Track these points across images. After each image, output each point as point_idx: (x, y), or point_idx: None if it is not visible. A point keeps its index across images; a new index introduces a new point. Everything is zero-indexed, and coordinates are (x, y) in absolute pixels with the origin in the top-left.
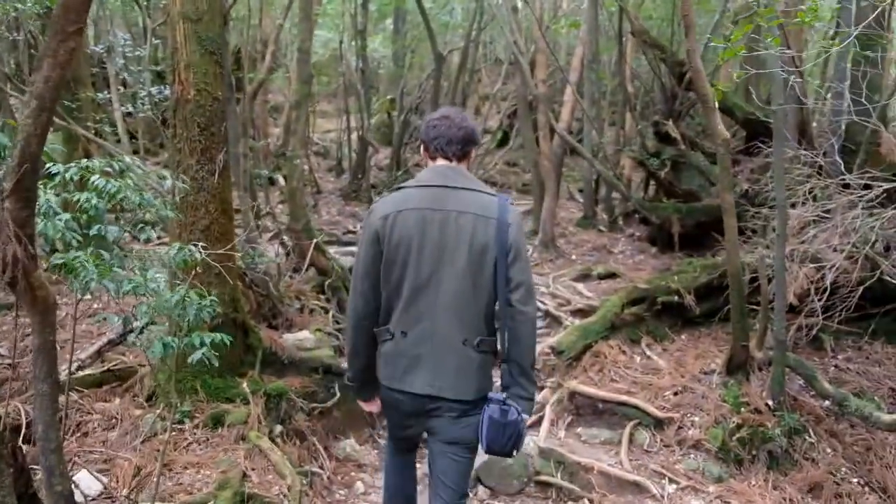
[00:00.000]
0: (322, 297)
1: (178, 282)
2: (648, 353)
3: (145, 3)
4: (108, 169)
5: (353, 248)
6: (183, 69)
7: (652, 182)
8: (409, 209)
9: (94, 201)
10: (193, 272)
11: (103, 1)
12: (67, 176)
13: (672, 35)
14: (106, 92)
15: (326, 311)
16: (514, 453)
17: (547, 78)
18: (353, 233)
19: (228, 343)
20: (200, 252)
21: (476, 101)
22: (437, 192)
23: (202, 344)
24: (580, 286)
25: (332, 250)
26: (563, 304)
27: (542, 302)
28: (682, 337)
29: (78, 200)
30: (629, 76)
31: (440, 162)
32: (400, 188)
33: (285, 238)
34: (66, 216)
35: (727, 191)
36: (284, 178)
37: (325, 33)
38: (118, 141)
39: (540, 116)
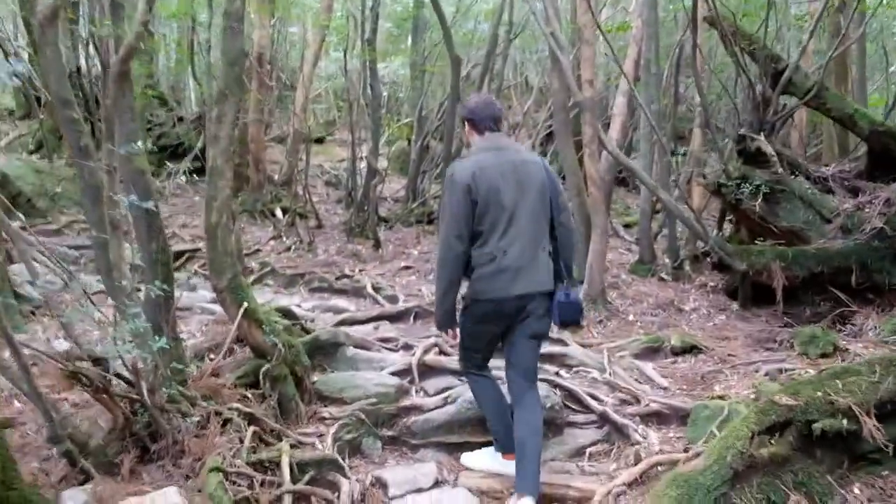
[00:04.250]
0: (255, 392)
1: None
2: None
3: None
4: None
5: (341, 303)
6: None
7: (730, 216)
8: (486, 166)
9: None
10: None
11: None
12: None
13: (765, 26)
14: None
15: (252, 422)
16: (580, 321)
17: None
18: (349, 277)
19: None
20: None
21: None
22: (499, 153)
23: None
24: (649, 367)
25: (310, 304)
26: (627, 401)
27: (594, 398)
28: (856, 491)
29: None
30: (700, 67)
31: (488, 134)
32: (464, 158)
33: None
34: None
35: None
36: (284, 210)
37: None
38: None
39: (586, 129)
